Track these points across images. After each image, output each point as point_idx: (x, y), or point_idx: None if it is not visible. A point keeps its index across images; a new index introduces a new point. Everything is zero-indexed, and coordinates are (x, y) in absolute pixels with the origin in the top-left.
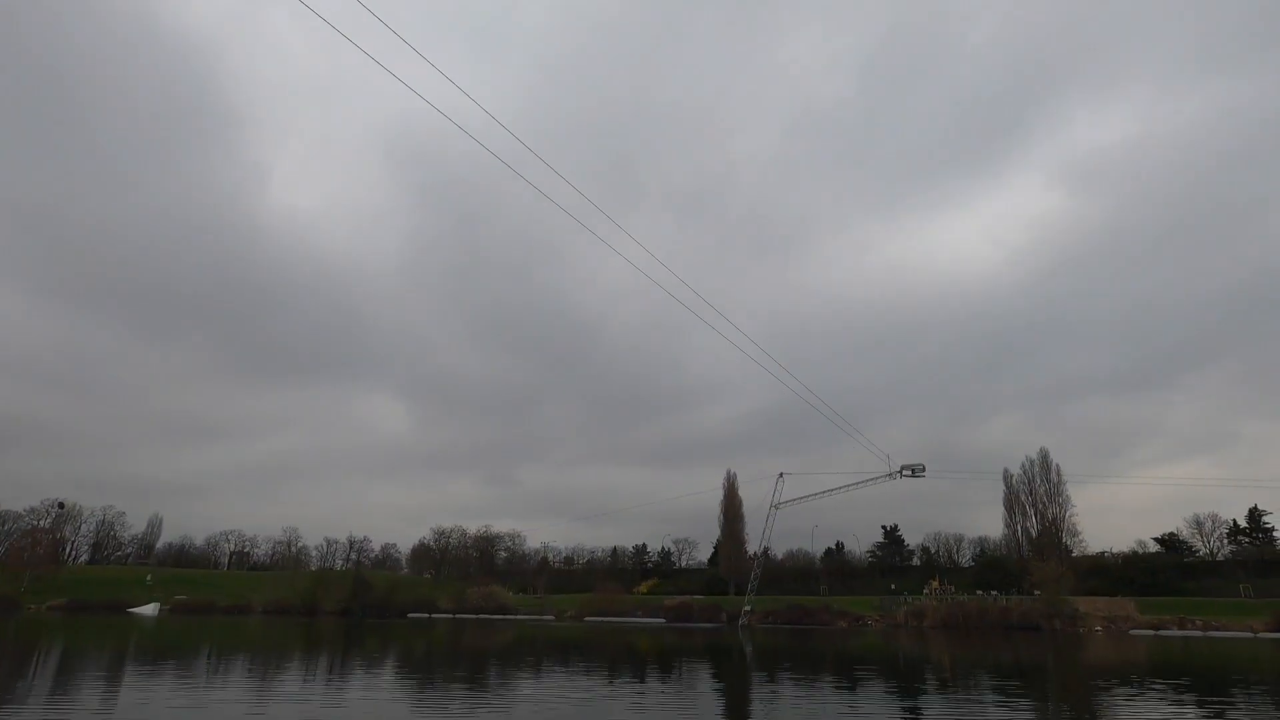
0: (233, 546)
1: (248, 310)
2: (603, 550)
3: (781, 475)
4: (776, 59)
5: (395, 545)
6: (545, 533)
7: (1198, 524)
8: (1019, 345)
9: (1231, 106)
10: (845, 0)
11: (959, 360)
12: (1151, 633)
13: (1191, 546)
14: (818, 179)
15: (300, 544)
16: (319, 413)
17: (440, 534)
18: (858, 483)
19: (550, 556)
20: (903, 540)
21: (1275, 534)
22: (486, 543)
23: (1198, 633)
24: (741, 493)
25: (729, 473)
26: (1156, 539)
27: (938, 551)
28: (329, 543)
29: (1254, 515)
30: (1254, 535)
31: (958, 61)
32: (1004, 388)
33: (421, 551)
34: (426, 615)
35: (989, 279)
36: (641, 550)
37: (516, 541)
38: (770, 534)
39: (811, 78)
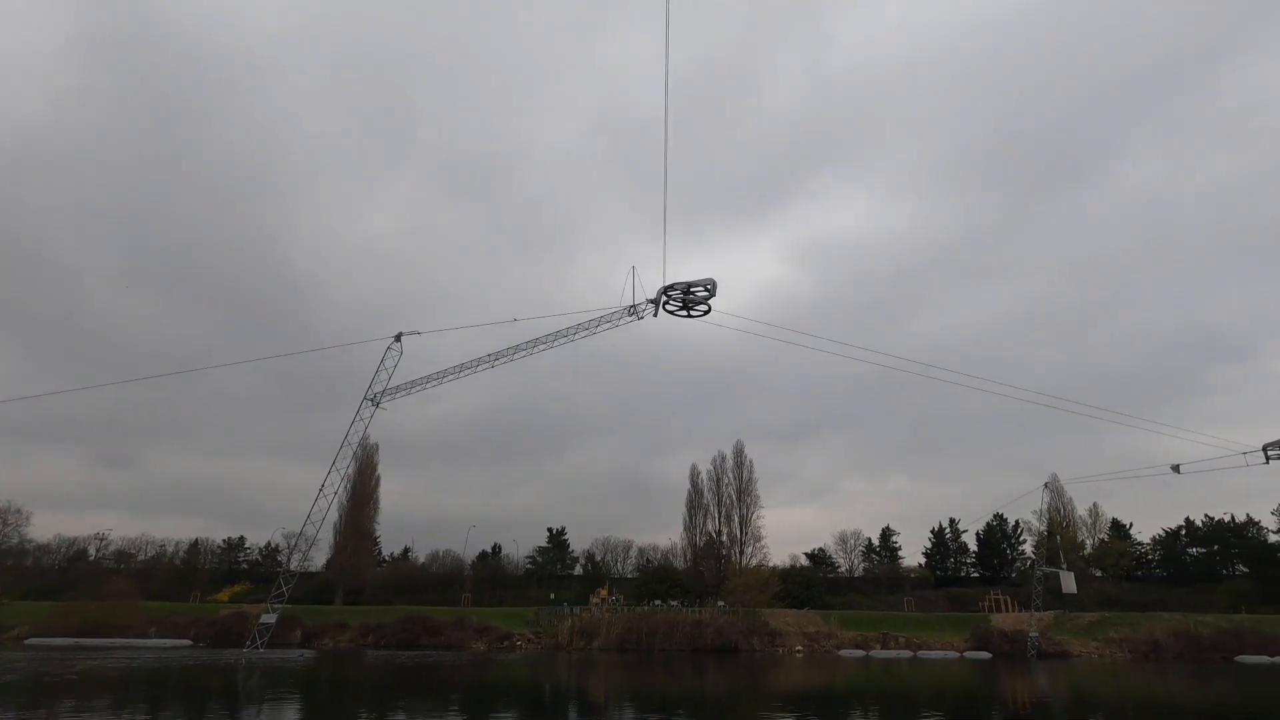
0: None
1: None
2: (179, 542)
3: (399, 338)
4: (599, 51)
5: None
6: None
7: (843, 540)
8: (721, 390)
9: (927, 222)
10: (687, 21)
11: (671, 395)
12: (861, 653)
13: (834, 562)
14: (603, 187)
15: None
16: None
17: None
18: (568, 330)
19: (95, 549)
20: (568, 545)
21: (900, 552)
22: None
23: (907, 652)
24: (386, 474)
25: (364, 436)
26: (808, 553)
27: (604, 559)
28: None
29: (885, 534)
30: (882, 553)
31: (755, 116)
32: (699, 425)
33: None
34: None
35: (715, 325)
36: (235, 546)
37: (11, 522)
38: (351, 462)
39: (628, 82)
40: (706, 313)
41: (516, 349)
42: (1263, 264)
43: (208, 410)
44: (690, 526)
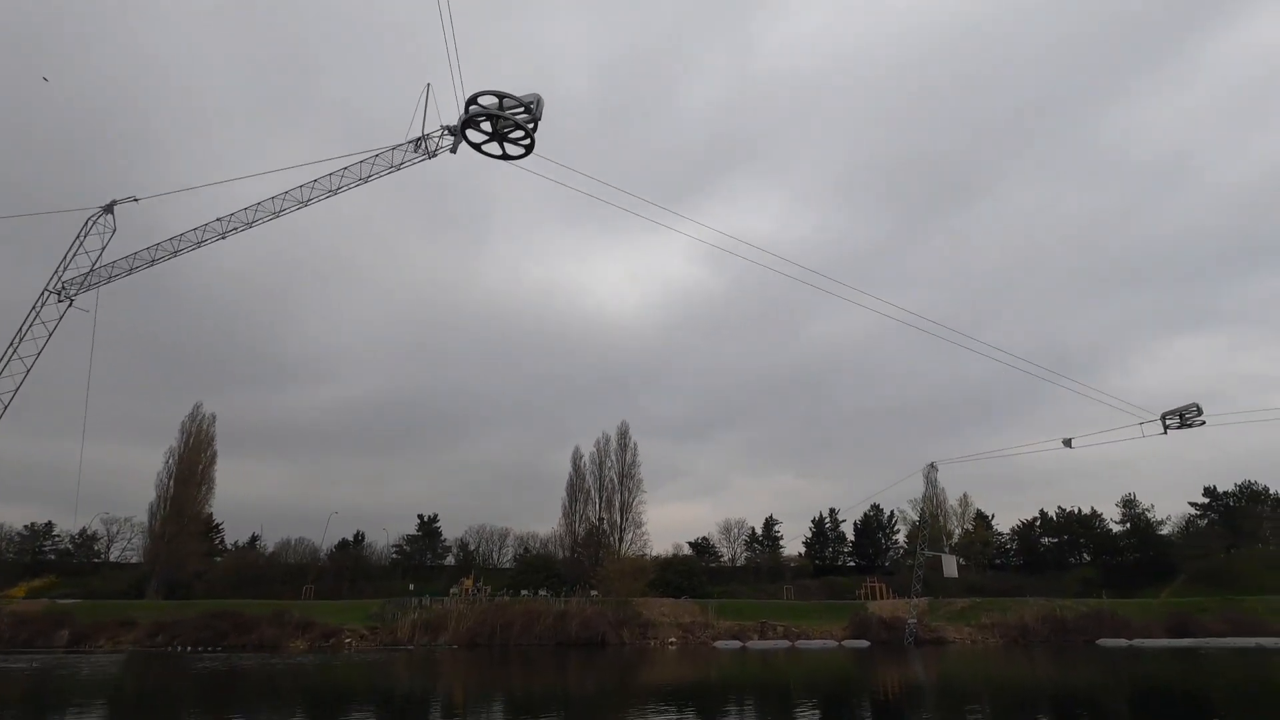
0: None
1: None
2: None
3: (111, 209)
4: (520, 26)
5: None
6: None
7: (727, 529)
8: (620, 387)
9: (828, 230)
10: (612, 17)
11: (572, 385)
12: (738, 644)
13: (718, 552)
14: (516, 172)
15: None
16: None
17: None
18: (327, 178)
19: None
20: (440, 533)
21: (782, 542)
22: None
23: (785, 643)
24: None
25: (196, 405)
26: (691, 543)
27: (479, 548)
28: None
29: (768, 524)
30: (765, 543)
31: (672, 116)
32: (599, 420)
33: None
34: None
35: (622, 319)
36: (41, 533)
37: None
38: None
39: (553, 63)
40: (528, 150)
41: (258, 207)
42: (1114, 289)
43: (53, 388)
44: (570, 513)
